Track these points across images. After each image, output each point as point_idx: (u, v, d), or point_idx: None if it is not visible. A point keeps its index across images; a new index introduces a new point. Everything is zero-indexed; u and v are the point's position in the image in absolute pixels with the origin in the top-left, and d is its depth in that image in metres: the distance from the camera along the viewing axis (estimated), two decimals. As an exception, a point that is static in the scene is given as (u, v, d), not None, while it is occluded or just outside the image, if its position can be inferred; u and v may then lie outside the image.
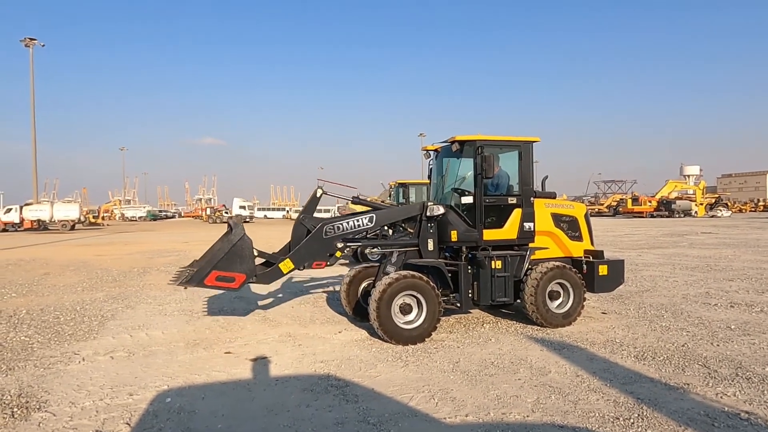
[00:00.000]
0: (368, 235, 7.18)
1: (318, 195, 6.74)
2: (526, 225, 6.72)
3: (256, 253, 6.11)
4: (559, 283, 6.76)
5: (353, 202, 7.52)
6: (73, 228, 41.27)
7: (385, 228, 7.72)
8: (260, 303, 8.73)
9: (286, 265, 6.22)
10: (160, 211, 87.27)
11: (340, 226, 6.37)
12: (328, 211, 61.82)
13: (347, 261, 14.40)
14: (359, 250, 13.90)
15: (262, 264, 6.53)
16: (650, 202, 55.80)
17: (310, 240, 6.33)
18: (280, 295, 9.45)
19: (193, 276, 5.76)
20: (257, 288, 10.40)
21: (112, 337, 6.57)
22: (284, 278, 11.56)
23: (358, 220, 6.45)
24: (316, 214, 6.91)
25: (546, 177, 7.71)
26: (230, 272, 5.81)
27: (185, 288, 5.91)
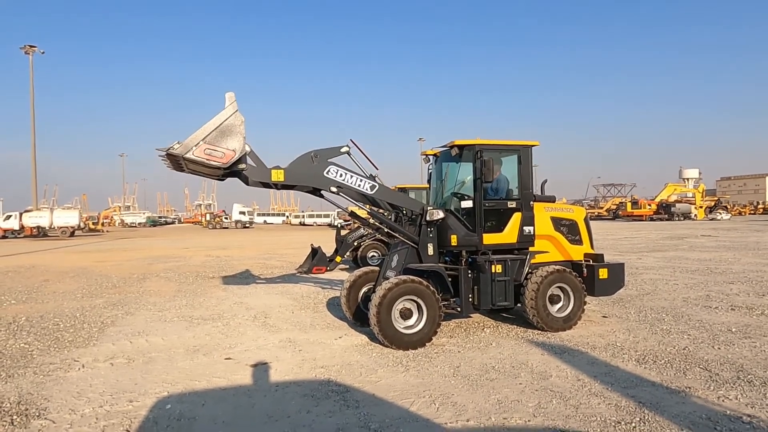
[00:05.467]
0: (366, 227, 6.99)
1: (342, 150, 6.58)
2: (526, 229, 6.73)
3: (248, 149, 6.01)
4: (559, 287, 6.76)
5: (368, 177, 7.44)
6: (72, 234, 41.31)
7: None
8: (260, 309, 8.72)
9: (277, 172, 6.22)
10: (160, 217, 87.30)
11: (343, 174, 6.36)
12: (327, 216, 61.95)
13: (347, 266, 14.39)
14: (359, 254, 13.91)
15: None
16: (650, 205, 55.85)
17: (311, 169, 6.30)
18: (280, 301, 9.44)
19: (183, 145, 5.64)
20: (257, 293, 10.39)
21: (112, 344, 6.55)
22: (283, 283, 11.63)
23: (361, 181, 6.43)
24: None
25: (545, 181, 7.72)
26: (220, 146, 5.73)
27: (174, 157, 5.71)
